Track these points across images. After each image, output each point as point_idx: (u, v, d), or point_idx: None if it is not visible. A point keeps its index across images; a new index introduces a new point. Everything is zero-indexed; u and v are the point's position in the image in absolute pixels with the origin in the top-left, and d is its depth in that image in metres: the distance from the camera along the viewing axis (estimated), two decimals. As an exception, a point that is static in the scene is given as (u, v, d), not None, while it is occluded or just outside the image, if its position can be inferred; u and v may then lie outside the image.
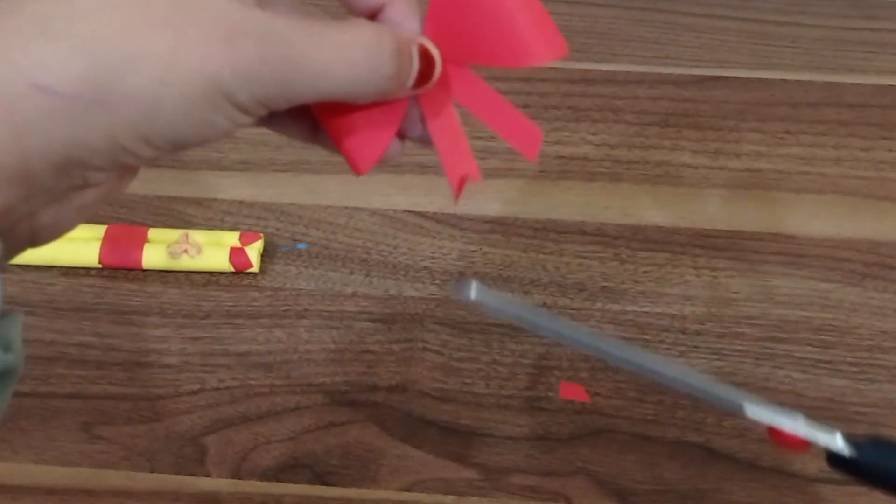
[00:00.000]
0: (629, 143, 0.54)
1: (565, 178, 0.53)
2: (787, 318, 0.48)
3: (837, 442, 0.27)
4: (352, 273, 0.49)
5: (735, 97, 0.56)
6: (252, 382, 0.46)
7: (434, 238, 0.50)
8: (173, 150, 0.23)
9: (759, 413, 0.27)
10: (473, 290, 0.26)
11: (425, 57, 0.26)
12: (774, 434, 0.28)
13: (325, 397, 0.45)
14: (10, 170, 0.21)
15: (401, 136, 0.28)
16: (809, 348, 0.47)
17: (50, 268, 0.49)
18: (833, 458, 0.27)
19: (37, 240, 0.24)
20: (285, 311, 0.48)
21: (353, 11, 0.28)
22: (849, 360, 0.46)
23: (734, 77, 0.57)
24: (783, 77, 0.57)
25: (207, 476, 0.43)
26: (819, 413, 0.45)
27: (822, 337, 0.47)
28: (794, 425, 0.27)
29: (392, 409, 0.45)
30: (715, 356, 0.46)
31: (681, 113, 0.56)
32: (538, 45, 0.27)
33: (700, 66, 0.58)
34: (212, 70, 0.22)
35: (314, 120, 0.28)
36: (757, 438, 0.44)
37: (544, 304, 0.48)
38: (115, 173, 0.24)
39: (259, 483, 0.43)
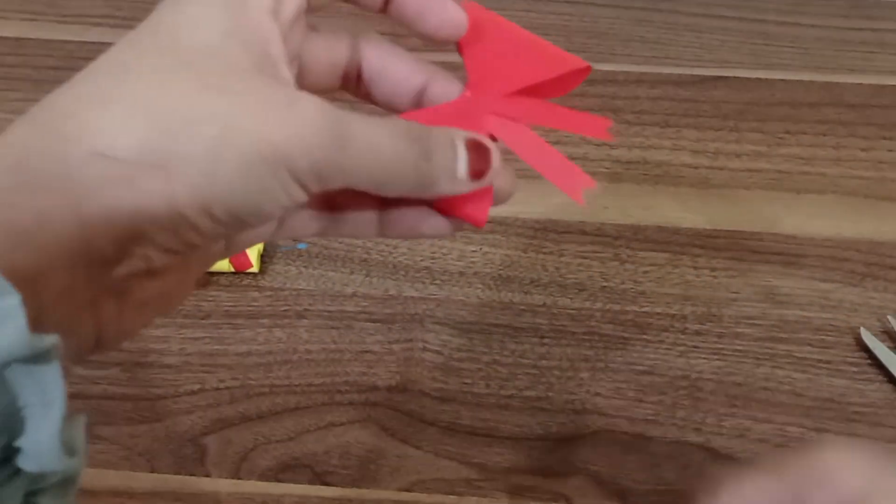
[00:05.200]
0: (629, 143, 0.54)
1: (565, 178, 0.53)
2: (787, 318, 0.48)
3: None
4: (352, 273, 0.49)
5: (735, 97, 0.56)
6: (252, 382, 0.46)
7: (434, 238, 0.50)
8: (232, 225, 0.22)
9: None
10: None
11: (476, 148, 0.26)
12: None
13: (325, 397, 0.45)
14: (71, 244, 0.20)
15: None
16: (809, 348, 0.47)
17: (50, 268, 0.49)
18: None
19: (102, 339, 0.23)
20: (285, 311, 0.48)
21: (395, 99, 0.28)
22: (848, 360, 0.46)
23: (734, 77, 0.57)
24: (783, 77, 0.57)
25: (207, 476, 0.43)
26: (819, 413, 0.45)
27: (822, 337, 0.47)
28: None
29: (392, 409, 0.45)
30: (715, 356, 0.46)
31: (681, 113, 0.56)
32: (571, 58, 0.28)
33: (700, 66, 0.58)
34: (270, 132, 0.21)
35: (378, 210, 0.28)
36: (757, 439, 0.44)
37: (544, 305, 0.48)
38: (176, 259, 0.23)
39: (259, 483, 0.43)
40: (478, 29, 0.28)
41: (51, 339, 0.19)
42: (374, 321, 0.48)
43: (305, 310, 0.48)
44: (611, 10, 0.61)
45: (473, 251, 0.50)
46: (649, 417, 0.45)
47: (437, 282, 0.49)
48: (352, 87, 0.28)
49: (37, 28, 0.60)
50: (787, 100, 0.56)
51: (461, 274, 0.49)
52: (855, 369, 0.46)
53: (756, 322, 0.47)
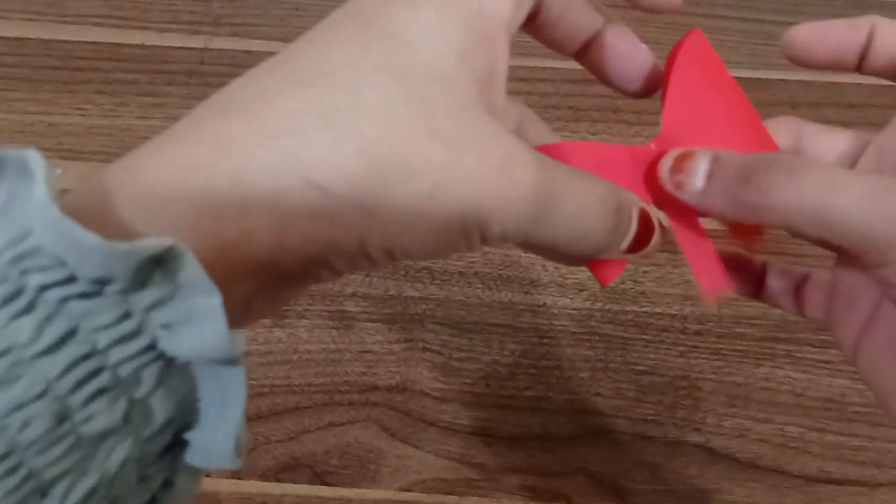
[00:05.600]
0: (629, 143, 0.54)
1: (565, 178, 0.53)
2: (787, 318, 0.48)
3: None
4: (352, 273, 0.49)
5: (735, 97, 0.56)
6: (252, 382, 0.46)
7: (434, 238, 0.50)
8: (400, 261, 0.22)
9: None
10: None
11: (644, 221, 0.25)
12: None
13: (325, 397, 0.45)
14: (263, 262, 0.20)
15: None
16: (809, 348, 0.47)
17: (50, 268, 0.49)
18: None
19: (243, 323, 0.23)
20: (285, 311, 0.48)
21: (565, 43, 0.27)
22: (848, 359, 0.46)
23: (734, 77, 0.57)
24: (783, 77, 0.57)
25: (207, 476, 0.43)
26: (819, 413, 0.45)
27: (822, 337, 0.47)
28: None
29: (392, 409, 0.45)
30: (715, 356, 0.46)
31: (681, 113, 0.56)
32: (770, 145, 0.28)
33: (700, 66, 0.58)
34: (479, 199, 0.21)
35: None
36: (757, 439, 0.44)
37: (544, 305, 0.48)
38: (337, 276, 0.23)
39: (259, 483, 0.43)
40: (694, 68, 0.26)
41: (242, 344, 0.19)
42: (374, 321, 0.48)
43: (305, 310, 0.48)
44: (611, 10, 0.61)
45: (473, 251, 0.50)
46: (649, 417, 0.45)
47: (437, 282, 0.49)
48: (523, 25, 0.26)
49: (37, 28, 0.60)
50: (787, 100, 0.56)
51: (461, 274, 0.49)
52: (855, 369, 0.46)
53: (756, 322, 0.47)
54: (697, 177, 0.25)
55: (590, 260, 0.26)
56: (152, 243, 0.17)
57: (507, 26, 0.23)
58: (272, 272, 0.21)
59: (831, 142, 0.27)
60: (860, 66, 0.27)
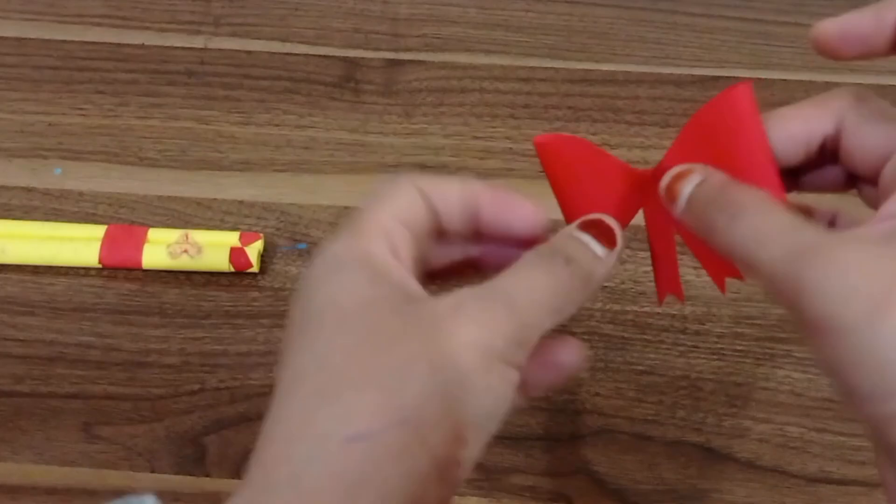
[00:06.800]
0: (629, 143, 0.54)
1: (565, 178, 0.53)
2: (788, 318, 0.48)
3: None
4: (352, 273, 0.49)
5: (735, 97, 0.56)
6: (252, 382, 0.46)
7: (434, 238, 0.50)
8: (482, 440, 0.24)
9: None
10: None
11: (593, 225, 0.27)
12: None
13: (325, 397, 0.45)
14: None
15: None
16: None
17: (50, 268, 0.49)
18: None
19: None
20: (285, 311, 0.48)
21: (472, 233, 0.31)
22: (849, 360, 0.46)
23: (734, 77, 0.57)
24: (783, 77, 0.57)
25: (207, 476, 0.43)
26: (819, 413, 0.45)
27: (822, 337, 0.47)
28: None
29: (392, 409, 0.45)
30: (715, 356, 0.46)
31: (681, 113, 0.56)
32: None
33: (700, 66, 0.58)
34: (464, 343, 0.23)
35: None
36: (757, 439, 0.44)
37: (544, 304, 0.48)
38: (452, 490, 0.24)
39: (259, 483, 0.43)
40: (720, 117, 0.27)
41: None
42: (374, 321, 0.48)
43: (305, 310, 0.48)
44: (611, 10, 0.61)
45: (473, 251, 0.50)
46: (649, 417, 0.45)
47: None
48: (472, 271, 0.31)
49: (37, 28, 0.60)
50: (788, 100, 0.56)
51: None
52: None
53: (756, 322, 0.47)
54: (682, 198, 0.27)
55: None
56: None
57: (393, 255, 0.27)
58: None
59: (872, 135, 0.27)
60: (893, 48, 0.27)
